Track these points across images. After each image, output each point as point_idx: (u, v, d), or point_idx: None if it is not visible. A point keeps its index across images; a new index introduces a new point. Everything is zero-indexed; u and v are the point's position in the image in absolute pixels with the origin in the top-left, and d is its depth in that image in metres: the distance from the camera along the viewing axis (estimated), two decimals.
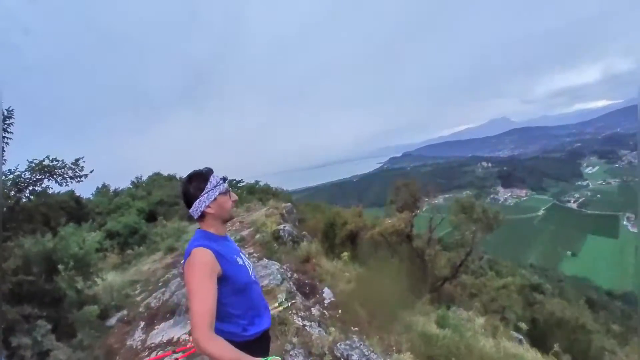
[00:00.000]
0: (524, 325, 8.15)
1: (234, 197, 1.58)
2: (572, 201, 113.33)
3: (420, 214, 12.16)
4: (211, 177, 1.49)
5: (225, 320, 1.46)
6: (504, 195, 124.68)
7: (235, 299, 1.49)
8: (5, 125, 4.12)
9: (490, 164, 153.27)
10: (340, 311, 5.51)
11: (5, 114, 4.16)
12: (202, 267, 1.34)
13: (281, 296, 4.22)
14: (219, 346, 1.18)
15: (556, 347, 6.17)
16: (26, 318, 3.69)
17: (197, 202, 1.46)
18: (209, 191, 1.46)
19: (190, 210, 1.49)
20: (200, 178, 1.49)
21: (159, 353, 4.09)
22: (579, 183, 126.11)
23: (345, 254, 10.01)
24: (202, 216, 1.49)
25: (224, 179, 1.53)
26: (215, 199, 1.48)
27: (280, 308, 2.32)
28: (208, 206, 1.47)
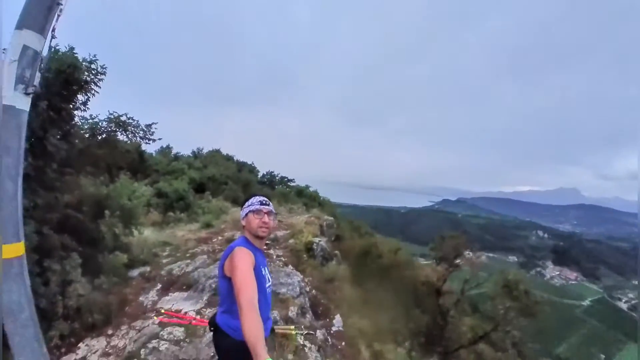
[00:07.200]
0: None
1: (266, 219, 1.81)
2: (623, 300, 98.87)
3: (458, 270, 11.32)
4: (252, 198, 1.88)
5: (234, 316, 1.64)
6: (551, 272, 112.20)
7: None
8: (97, 80, 4.54)
9: (546, 235, 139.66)
10: (343, 343, 5.27)
11: (100, 69, 4.56)
12: (247, 259, 1.62)
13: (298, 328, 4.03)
14: (254, 322, 1.30)
15: None
16: (64, 247, 4.01)
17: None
18: (244, 208, 1.89)
19: None
20: (247, 198, 1.92)
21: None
22: (637, 282, 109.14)
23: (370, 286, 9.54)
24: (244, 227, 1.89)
25: (261, 202, 1.85)
26: (246, 215, 1.86)
27: (293, 333, 2.40)
28: (243, 219, 1.88)
